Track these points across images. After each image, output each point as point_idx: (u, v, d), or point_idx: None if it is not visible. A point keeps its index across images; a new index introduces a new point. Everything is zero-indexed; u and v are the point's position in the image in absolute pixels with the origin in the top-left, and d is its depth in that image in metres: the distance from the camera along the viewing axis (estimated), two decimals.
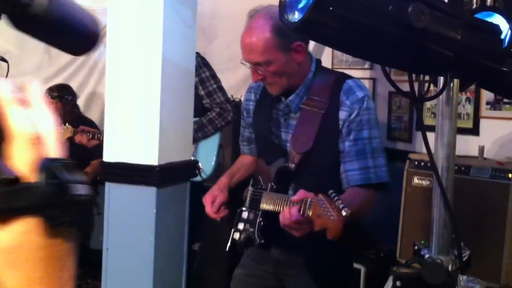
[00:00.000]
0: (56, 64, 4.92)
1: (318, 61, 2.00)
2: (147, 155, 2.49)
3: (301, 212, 1.60)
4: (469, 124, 3.53)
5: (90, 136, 3.61)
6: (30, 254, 0.52)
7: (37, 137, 0.53)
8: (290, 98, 1.96)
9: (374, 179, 1.87)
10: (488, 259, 2.77)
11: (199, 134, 3.44)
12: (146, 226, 2.50)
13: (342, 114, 1.88)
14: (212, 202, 2.06)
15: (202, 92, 3.44)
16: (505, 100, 3.37)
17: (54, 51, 4.19)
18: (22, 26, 0.64)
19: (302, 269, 2.00)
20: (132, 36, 2.54)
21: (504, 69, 1.19)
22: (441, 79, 1.25)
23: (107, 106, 2.60)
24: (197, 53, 3.60)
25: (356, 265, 3.28)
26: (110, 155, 2.58)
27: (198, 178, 3.42)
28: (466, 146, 3.43)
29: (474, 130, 3.51)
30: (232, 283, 2.21)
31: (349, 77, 1.97)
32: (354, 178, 1.87)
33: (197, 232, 3.38)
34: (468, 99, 3.57)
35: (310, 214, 1.58)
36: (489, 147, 3.33)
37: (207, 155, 3.41)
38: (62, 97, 4.15)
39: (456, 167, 2.90)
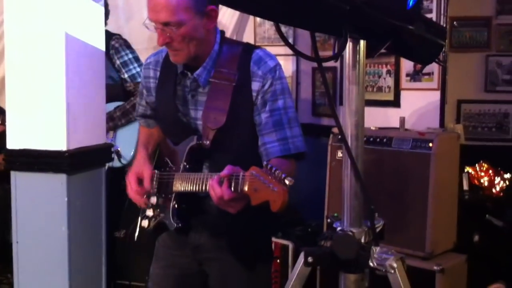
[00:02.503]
0: None
1: (222, 32, 1.91)
2: (54, 140, 2.33)
3: (233, 189, 1.54)
4: (390, 97, 3.56)
5: None
6: None
7: None
8: (197, 72, 1.85)
9: (293, 149, 1.83)
10: (412, 229, 2.81)
11: (123, 120, 3.33)
12: (57, 215, 2.36)
13: (255, 85, 1.81)
14: (138, 179, 1.91)
15: (125, 75, 3.35)
16: (424, 71, 3.41)
17: None
18: None
19: (223, 251, 1.92)
20: (32, 13, 2.35)
21: (410, 27, 1.13)
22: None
23: (8, 88, 2.41)
24: (119, 35, 3.47)
25: (284, 242, 3.26)
26: (14, 141, 2.40)
27: (118, 164, 3.28)
28: (388, 118, 3.45)
29: (395, 102, 3.54)
30: (150, 281, 2.08)
31: (256, 47, 1.91)
32: (274, 150, 1.81)
33: (121, 219, 3.25)
34: (388, 72, 3.59)
35: (246, 189, 1.51)
36: (410, 118, 3.37)
37: (127, 141, 3.30)
38: None
39: (378, 139, 2.94)
